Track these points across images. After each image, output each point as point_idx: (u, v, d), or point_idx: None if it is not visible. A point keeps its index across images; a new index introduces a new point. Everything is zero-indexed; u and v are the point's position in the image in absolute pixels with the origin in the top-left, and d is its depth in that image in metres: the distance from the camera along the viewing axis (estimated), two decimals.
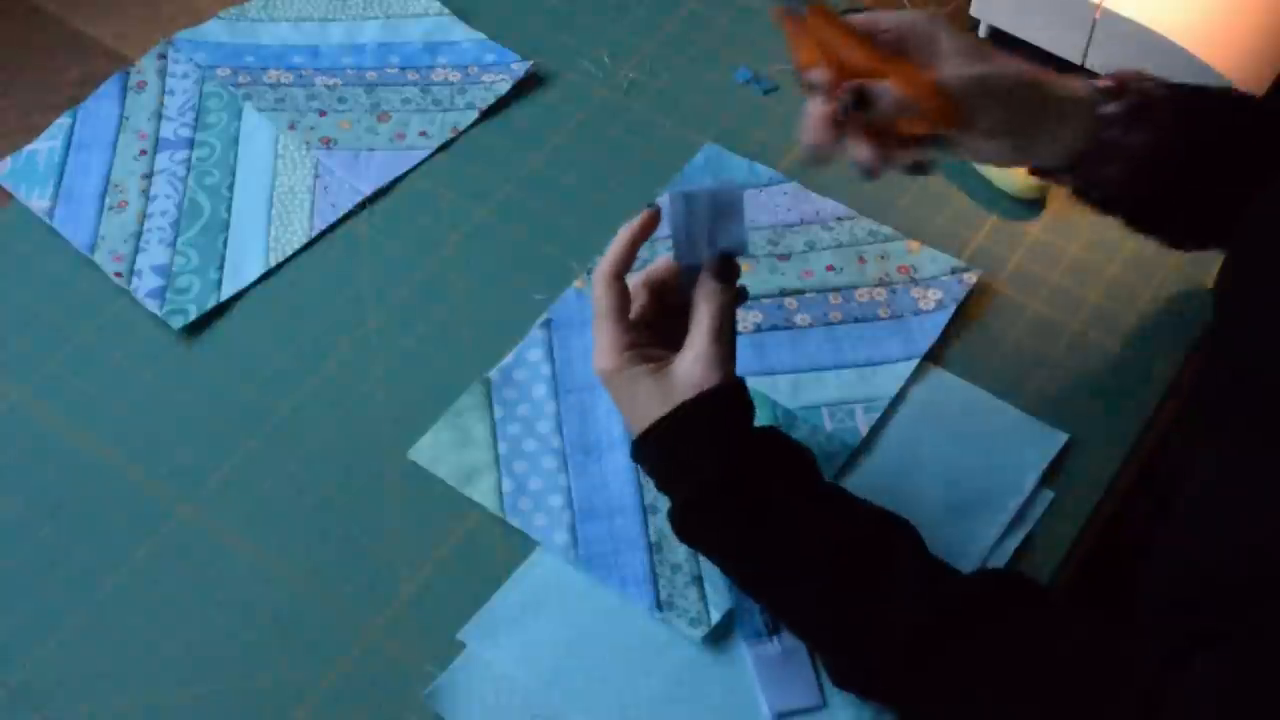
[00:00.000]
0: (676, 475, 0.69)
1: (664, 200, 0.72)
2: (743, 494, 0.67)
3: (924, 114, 0.69)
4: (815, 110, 0.70)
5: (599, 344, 0.71)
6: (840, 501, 0.68)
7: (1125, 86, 0.73)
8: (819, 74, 0.70)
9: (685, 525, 0.69)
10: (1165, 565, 0.61)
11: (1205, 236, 0.78)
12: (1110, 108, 0.72)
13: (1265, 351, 0.60)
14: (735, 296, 0.71)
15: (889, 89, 0.68)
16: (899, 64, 0.70)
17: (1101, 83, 0.73)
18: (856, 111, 0.68)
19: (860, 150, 0.70)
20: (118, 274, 0.89)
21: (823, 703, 0.70)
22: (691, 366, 0.68)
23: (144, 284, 0.88)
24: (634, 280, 0.73)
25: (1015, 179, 0.91)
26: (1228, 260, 0.71)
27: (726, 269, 0.70)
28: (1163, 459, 0.80)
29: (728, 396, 0.69)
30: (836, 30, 0.70)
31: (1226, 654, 0.55)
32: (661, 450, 0.69)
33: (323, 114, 0.98)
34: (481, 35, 1.03)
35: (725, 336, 0.69)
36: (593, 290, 0.71)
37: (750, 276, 0.88)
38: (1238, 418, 0.62)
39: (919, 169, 0.74)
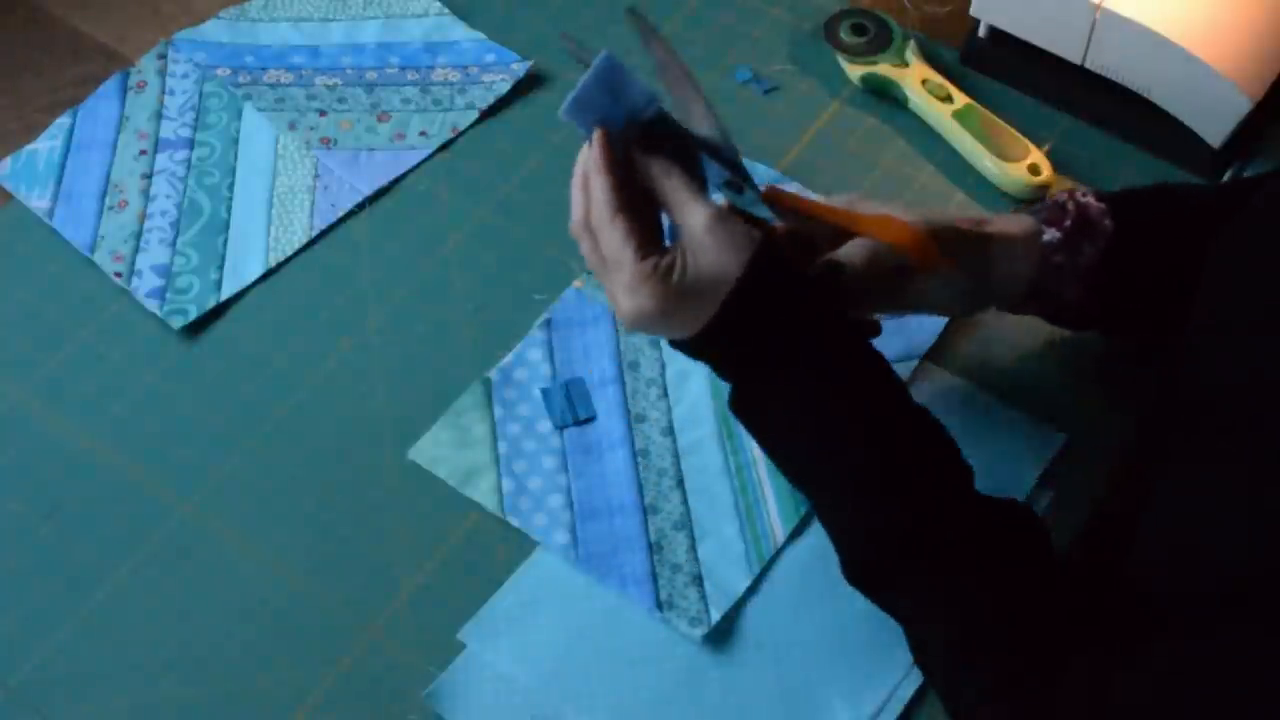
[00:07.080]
0: (733, 369, 0.67)
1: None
2: (803, 377, 0.65)
3: (909, 258, 0.70)
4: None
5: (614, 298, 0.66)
6: (898, 392, 0.67)
7: (1063, 207, 0.73)
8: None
9: (741, 403, 0.67)
10: (1139, 575, 0.62)
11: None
12: (1052, 233, 0.73)
13: (1221, 375, 0.61)
14: (689, 155, 0.65)
15: (859, 247, 0.70)
16: (872, 216, 0.71)
17: (1040, 210, 0.74)
18: (831, 277, 0.70)
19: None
20: (118, 274, 0.89)
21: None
22: (697, 265, 0.63)
23: (144, 284, 0.88)
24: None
25: (1015, 179, 0.91)
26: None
27: (650, 139, 0.64)
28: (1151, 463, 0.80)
29: (754, 283, 0.63)
30: (797, 200, 0.70)
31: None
32: (711, 358, 0.67)
33: (323, 114, 0.98)
34: (481, 35, 1.03)
35: (699, 200, 0.64)
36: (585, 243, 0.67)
37: None
38: (1188, 435, 0.62)
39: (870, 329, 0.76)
